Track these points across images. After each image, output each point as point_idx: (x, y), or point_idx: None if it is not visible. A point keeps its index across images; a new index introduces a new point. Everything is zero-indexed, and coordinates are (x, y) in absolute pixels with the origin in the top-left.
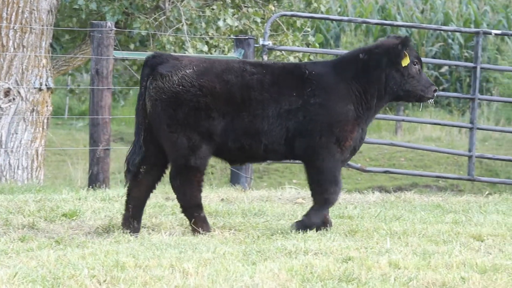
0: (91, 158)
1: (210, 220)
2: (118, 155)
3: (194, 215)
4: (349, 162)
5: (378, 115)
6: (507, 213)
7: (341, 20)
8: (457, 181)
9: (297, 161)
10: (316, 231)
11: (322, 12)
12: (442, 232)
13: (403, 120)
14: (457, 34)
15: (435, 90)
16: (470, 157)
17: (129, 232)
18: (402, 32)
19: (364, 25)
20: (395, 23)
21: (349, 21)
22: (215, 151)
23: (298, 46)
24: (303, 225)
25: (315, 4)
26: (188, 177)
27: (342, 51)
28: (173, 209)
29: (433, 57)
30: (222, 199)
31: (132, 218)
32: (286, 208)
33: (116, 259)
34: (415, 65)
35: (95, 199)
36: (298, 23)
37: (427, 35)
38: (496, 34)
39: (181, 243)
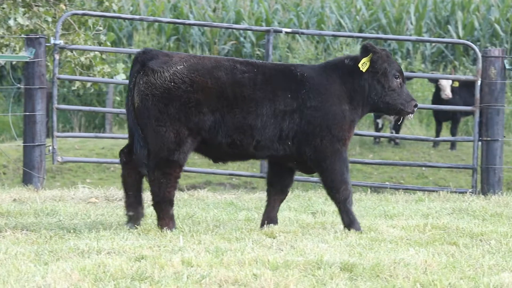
0: None
1: (1, 221)
2: None
3: (164, 210)
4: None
5: None
6: (298, 210)
7: (132, 19)
8: (250, 178)
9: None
10: (357, 228)
11: (114, 11)
12: (234, 230)
13: None
14: (249, 32)
15: (416, 106)
16: None
17: (134, 215)
18: (194, 31)
19: (157, 23)
20: (187, 21)
21: (141, 19)
22: (201, 147)
23: (90, 45)
24: (346, 227)
25: (107, 3)
26: (167, 171)
27: (135, 49)
28: None
29: (226, 55)
30: (14, 199)
31: (136, 203)
32: (79, 207)
33: None
34: (396, 78)
35: None
36: (90, 22)
37: (219, 34)
38: (286, 32)
39: None
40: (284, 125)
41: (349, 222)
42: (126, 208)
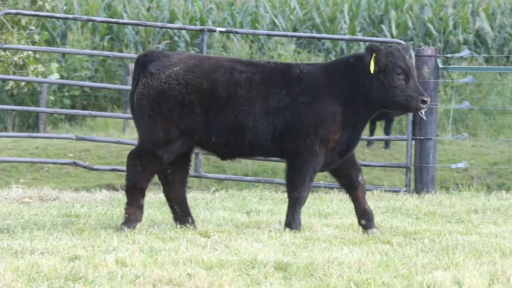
0: None
1: None
2: None
3: (133, 198)
4: (77, 161)
5: (105, 113)
6: (233, 209)
7: (66, 18)
8: None
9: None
10: (296, 228)
11: (47, 10)
12: (169, 229)
13: (130, 118)
14: (183, 31)
15: (424, 101)
16: (196, 154)
17: (188, 226)
18: (128, 30)
19: (91, 23)
20: (121, 21)
21: (74, 19)
22: (204, 146)
23: (23, 44)
24: (287, 226)
25: (40, 3)
26: (145, 162)
27: (69, 49)
28: None
29: None
30: None
31: (184, 216)
32: (13, 207)
33: None
34: (399, 74)
35: None
36: (23, 21)
37: (154, 33)
38: (220, 32)
39: None
40: (277, 122)
41: (291, 220)
42: (177, 223)
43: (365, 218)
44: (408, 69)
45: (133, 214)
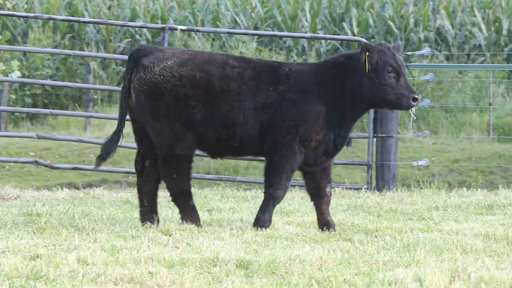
0: None
1: None
2: None
3: (183, 203)
4: (38, 160)
5: (66, 112)
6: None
7: (27, 17)
8: None
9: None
10: (263, 225)
11: (8, 9)
12: (130, 228)
13: (91, 117)
14: (145, 30)
15: (414, 99)
16: None
17: (151, 224)
18: (90, 29)
19: (52, 21)
20: (82, 19)
21: (35, 17)
22: (199, 142)
23: None
24: (256, 221)
25: (1, 1)
26: (175, 166)
27: (30, 47)
28: None
29: (122, 53)
30: None
31: (150, 212)
32: None
33: None
34: (389, 72)
35: None
36: None
37: (115, 31)
38: (182, 30)
39: None
40: (264, 118)
41: (261, 216)
42: (141, 218)
43: (327, 228)
44: (399, 67)
45: (192, 220)
